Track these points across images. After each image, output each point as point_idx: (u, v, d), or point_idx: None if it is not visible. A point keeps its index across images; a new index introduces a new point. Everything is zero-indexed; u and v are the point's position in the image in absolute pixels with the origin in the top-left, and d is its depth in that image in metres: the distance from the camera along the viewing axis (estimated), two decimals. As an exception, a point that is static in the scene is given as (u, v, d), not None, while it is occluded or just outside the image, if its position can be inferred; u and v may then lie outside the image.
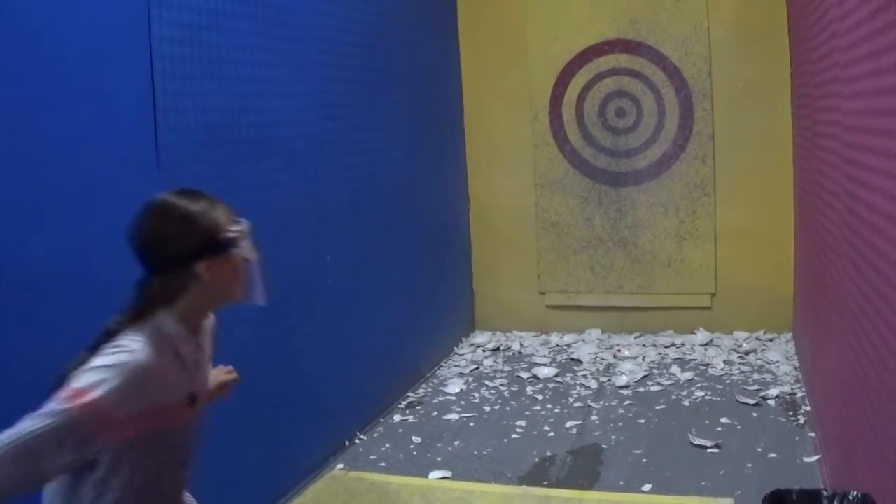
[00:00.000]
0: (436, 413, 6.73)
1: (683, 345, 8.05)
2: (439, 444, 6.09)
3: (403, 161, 7.20)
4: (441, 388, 7.30)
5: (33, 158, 3.44)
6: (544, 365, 7.69)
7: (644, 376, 7.24)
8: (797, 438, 5.75)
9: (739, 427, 6.03)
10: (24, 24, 3.43)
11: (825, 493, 3.16)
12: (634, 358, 7.73)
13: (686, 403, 6.58)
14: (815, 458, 5.34)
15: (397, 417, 6.64)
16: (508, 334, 8.83)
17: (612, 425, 6.24)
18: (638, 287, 8.46)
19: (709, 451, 5.64)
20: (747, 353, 7.66)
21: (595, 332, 8.55)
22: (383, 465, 5.78)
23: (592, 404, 6.68)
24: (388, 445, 6.11)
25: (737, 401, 6.50)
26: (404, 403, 6.95)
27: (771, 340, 7.93)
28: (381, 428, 6.45)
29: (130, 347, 2.39)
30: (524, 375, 7.48)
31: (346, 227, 6.07)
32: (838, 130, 4.44)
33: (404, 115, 7.28)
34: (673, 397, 6.72)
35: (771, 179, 7.80)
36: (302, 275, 5.37)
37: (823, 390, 5.32)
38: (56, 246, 3.54)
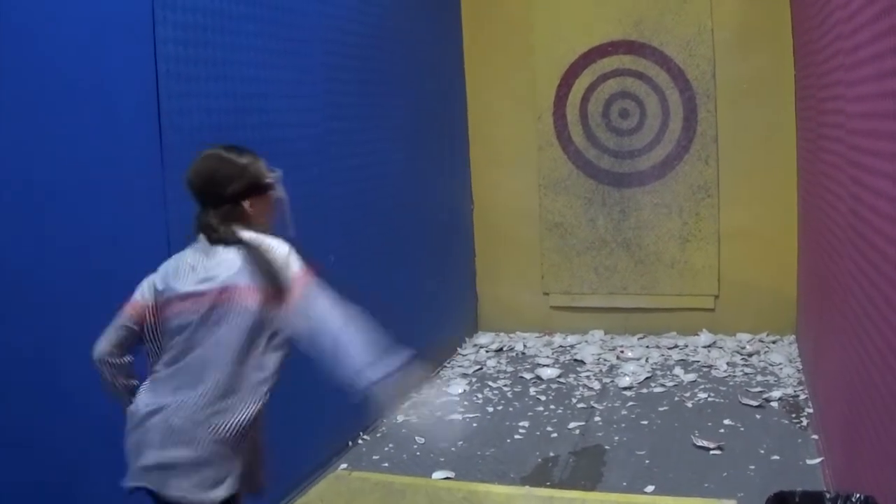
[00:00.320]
0: (439, 413, 6.73)
1: (687, 346, 8.05)
2: (442, 445, 6.09)
3: (407, 162, 7.21)
4: (444, 388, 7.30)
5: (38, 160, 3.45)
6: (547, 366, 7.69)
7: (647, 377, 7.25)
8: (800, 440, 5.76)
9: (742, 429, 6.03)
10: (28, 26, 3.44)
11: (828, 496, 3.17)
12: (638, 359, 7.73)
13: (689, 405, 6.58)
14: (818, 460, 5.34)
15: (401, 418, 6.64)
16: (512, 335, 8.83)
17: (615, 426, 6.24)
18: (641, 288, 8.46)
19: (711, 452, 5.64)
20: (750, 354, 7.66)
21: (598, 333, 8.55)
22: (386, 465, 5.79)
23: (595, 405, 6.69)
24: (391, 445, 6.12)
25: (740, 402, 6.50)
26: (407, 404, 6.96)
27: (774, 342, 7.93)
28: (384, 428, 6.45)
29: (278, 241, 3.20)
30: (527, 376, 7.49)
31: (350, 227, 6.08)
32: (842, 133, 4.44)
33: (408, 116, 7.28)
34: (676, 399, 6.73)
35: (774, 181, 7.79)
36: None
37: (826, 392, 5.32)
38: (60, 246, 3.56)
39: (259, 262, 3.09)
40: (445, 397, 7.04)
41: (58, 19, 3.60)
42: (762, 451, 5.60)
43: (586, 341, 8.42)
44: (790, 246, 7.68)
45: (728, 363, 7.47)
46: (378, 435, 6.32)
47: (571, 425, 6.31)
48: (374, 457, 5.93)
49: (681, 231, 8.24)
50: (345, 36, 6.15)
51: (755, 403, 6.44)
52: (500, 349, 8.41)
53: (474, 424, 6.46)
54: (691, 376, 7.20)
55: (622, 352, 7.96)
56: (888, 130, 3.18)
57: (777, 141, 7.75)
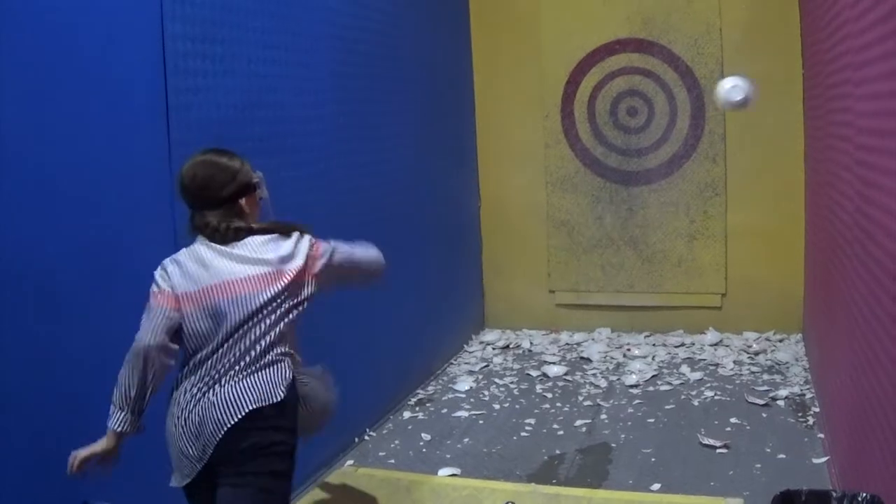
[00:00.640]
0: (445, 410, 6.74)
1: (693, 344, 8.05)
2: (448, 442, 6.10)
3: (415, 158, 7.21)
4: (451, 385, 7.31)
5: (46, 155, 3.46)
6: (554, 363, 7.69)
7: (653, 375, 7.25)
8: (806, 439, 5.75)
9: (748, 427, 6.02)
10: (38, 22, 3.45)
11: (834, 495, 3.17)
12: (644, 357, 7.73)
13: (695, 403, 6.58)
14: (824, 459, 5.34)
15: (407, 414, 6.65)
16: (518, 332, 8.83)
17: (621, 424, 6.25)
18: (648, 286, 8.45)
19: (718, 451, 5.64)
20: (757, 353, 7.66)
21: (605, 331, 8.55)
22: (392, 461, 5.79)
23: (602, 403, 6.69)
24: (397, 442, 6.13)
25: (746, 401, 6.50)
26: (414, 400, 6.96)
27: (781, 341, 7.92)
28: (390, 424, 6.46)
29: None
30: (534, 373, 7.49)
31: (357, 223, 6.07)
32: (850, 132, 4.43)
33: (416, 113, 7.28)
34: (682, 397, 6.73)
35: (782, 180, 7.79)
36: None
37: (833, 391, 5.31)
38: (67, 240, 3.56)
39: (285, 243, 3.42)
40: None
41: (67, 15, 3.60)
42: (768, 450, 5.60)
43: (593, 339, 8.42)
44: (797, 245, 7.66)
45: (735, 361, 7.47)
46: (384, 431, 6.33)
47: (578, 423, 6.31)
48: (381, 453, 5.93)
49: (688, 229, 8.24)
50: (353, 33, 6.15)
51: (762, 402, 6.43)
52: (507, 346, 8.42)
53: (480, 422, 6.46)
54: (698, 374, 7.20)
55: (629, 350, 7.96)
56: (897, 129, 3.18)
57: (785, 140, 7.73)
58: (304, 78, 5.46)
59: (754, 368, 7.29)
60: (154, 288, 3.28)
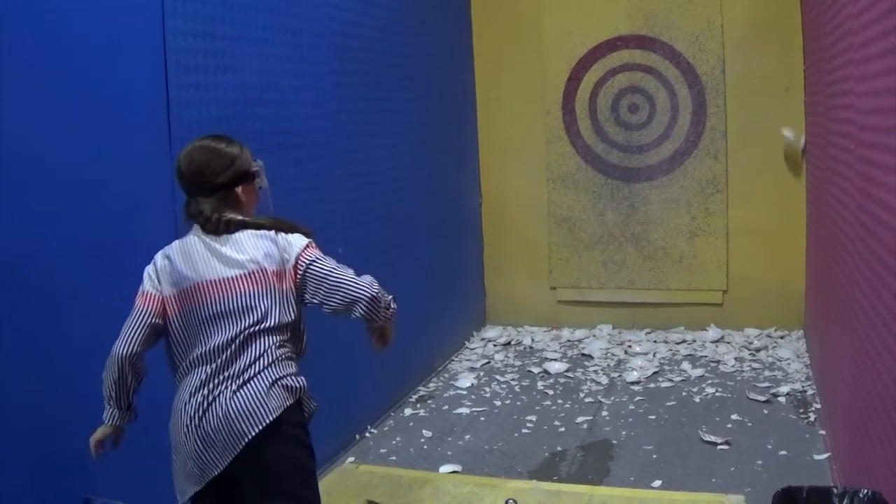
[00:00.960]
0: (446, 407, 6.74)
1: (695, 341, 8.04)
2: (450, 439, 6.10)
3: (416, 155, 7.21)
4: (452, 382, 7.31)
5: (46, 151, 3.46)
6: (555, 360, 7.69)
7: (655, 372, 7.25)
8: (807, 436, 5.75)
9: (750, 424, 6.02)
10: (38, 18, 3.45)
11: (835, 491, 3.17)
12: (645, 354, 7.73)
13: (697, 400, 6.58)
14: (826, 455, 5.34)
15: (408, 411, 6.65)
16: (519, 329, 8.83)
17: (622, 421, 6.24)
18: (649, 283, 8.45)
19: (719, 447, 5.64)
20: (758, 349, 7.65)
21: (606, 328, 8.55)
22: (394, 458, 5.79)
23: (603, 400, 6.69)
24: (398, 439, 6.13)
25: (747, 398, 6.50)
26: (415, 397, 6.96)
27: (782, 338, 7.92)
28: (391, 421, 6.47)
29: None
30: (535, 370, 7.49)
31: (359, 220, 6.08)
32: (852, 128, 4.43)
33: (417, 109, 7.28)
34: (683, 394, 6.72)
35: (783, 176, 7.78)
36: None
37: (834, 388, 5.31)
38: (68, 236, 3.56)
39: (275, 242, 3.31)
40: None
41: (68, 11, 3.60)
42: (770, 447, 5.60)
43: (594, 336, 8.42)
44: (798, 241, 7.66)
45: (736, 358, 7.46)
46: (385, 428, 6.33)
47: (579, 419, 6.31)
48: (382, 450, 5.93)
49: (689, 226, 8.24)
50: (354, 29, 6.15)
51: (763, 399, 6.43)
52: (508, 343, 8.42)
53: (482, 418, 6.46)
54: (699, 371, 7.20)
55: (630, 346, 7.96)
56: (898, 126, 3.18)
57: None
58: (305, 75, 5.45)
59: (755, 365, 7.28)
60: (141, 287, 3.26)
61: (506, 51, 8.66)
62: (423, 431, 6.23)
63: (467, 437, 6.12)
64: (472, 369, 7.65)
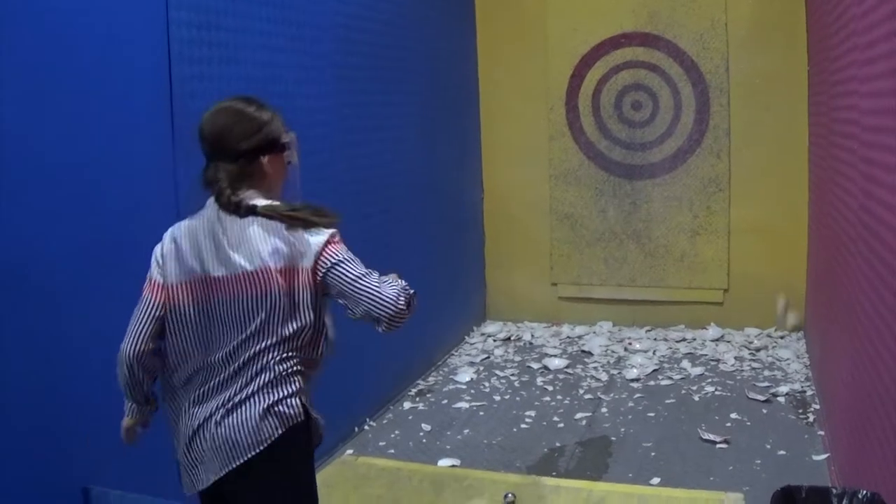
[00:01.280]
0: (445, 401, 6.75)
1: (694, 339, 8.05)
2: (448, 433, 6.11)
3: (418, 150, 7.21)
4: (451, 376, 7.32)
5: (49, 142, 3.45)
6: (555, 356, 7.70)
7: (654, 370, 7.25)
8: (806, 436, 5.76)
9: (749, 423, 6.03)
10: (42, 9, 3.44)
11: (834, 492, 3.17)
12: (645, 351, 7.74)
13: (696, 398, 6.58)
14: (824, 456, 5.35)
15: (407, 405, 6.66)
16: (520, 325, 8.84)
17: (621, 418, 6.25)
18: (650, 281, 8.45)
19: (718, 446, 5.64)
20: (758, 349, 7.66)
21: (606, 325, 8.55)
22: (392, 451, 5.80)
23: (602, 396, 6.70)
24: (397, 432, 6.13)
25: (747, 397, 6.50)
26: (414, 391, 6.97)
27: (782, 338, 7.92)
28: (390, 415, 6.47)
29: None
30: (535, 366, 7.50)
31: (361, 213, 6.08)
32: (855, 129, 4.42)
33: (420, 104, 7.28)
34: (683, 392, 6.73)
35: (786, 176, 7.78)
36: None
37: (834, 389, 5.31)
38: (70, 228, 3.56)
39: (286, 240, 2.89)
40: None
41: (71, 3, 3.60)
42: (768, 446, 5.60)
43: (594, 332, 8.42)
44: (800, 242, 7.66)
45: (736, 357, 7.47)
46: (384, 422, 6.34)
47: (578, 416, 6.32)
48: (380, 443, 5.94)
49: (691, 224, 8.24)
50: (358, 23, 6.15)
51: (762, 398, 6.44)
52: (508, 338, 8.42)
53: (481, 413, 6.46)
54: (699, 370, 7.21)
55: (630, 344, 7.96)
56: (902, 127, 3.18)
57: (789, 136, 7.72)
58: (307, 67, 5.45)
59: (755, 364, 7.29)
60: (149, 272, 2.99)
61: (509, 46, 8.65)
62: (422, 425, 6.23)
63: (466, 431, 6.13)
64: (471, 364, 7.65)
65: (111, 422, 3.57)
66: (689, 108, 8.12)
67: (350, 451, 5.75)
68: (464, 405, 6.63)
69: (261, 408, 2.87)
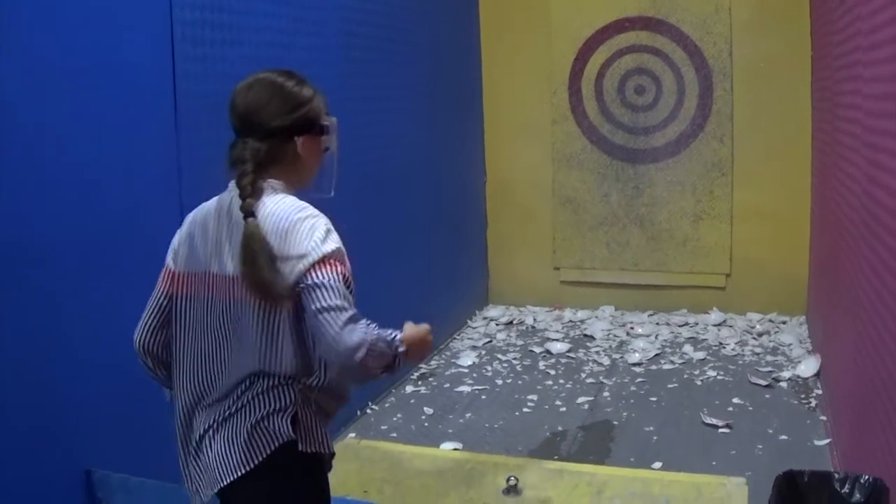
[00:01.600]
0: (448, 385, 6.75)
1: (697, 324, 8.05)
2: (451, 416, 6.11)
3: (421, 133, 7.20)
4: (454, 360, 7.32)
5: (52, 123, 3.43)
6: (557, 340, 7.70)
7: (657, 354, 7.26)
8: (808, 421, 5.76)
9: (751, 408, 6.03)
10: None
11: (837, 476, 3.17)
12: (647, 336, 7.74)
13: (698, 383, 6.59)
14: (826, 441, 5.35)
15: (409, 388, 6.66)
16: (522, 309, 8.84)
17: (623, 402, 6.26)
18: (653, 265, 8.45)
19: (720, 430, 5.65)
20: (760, 334, 7.66)
21: (609, 309, 8.55)
22: (394, 435, 5.81)
23: (604, 381, 6.70)
24: (399, 416, 6.14)
25: (749, 382, 6.51)
26: (416, 375, 6.97)
27: (784, 323, 7.92)
28: (392, 398, 6.48)
29: (314, 211, 2.60)
30: (537, 350, 7.50)
31: (363, 197, 6.07)
32: (859, 114, 4.42)
33: (423, 87, 7.27)
34: (685, 376, 6.73)
35: (789, 161, 7.77)
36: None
37: (836, 374, 5.32)
38: (71, 213, 3.54)
39: (250, 255, 2.44)
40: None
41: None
42: (770, 431, 5.61)
43: (596, 317, 8.43)
44: (803, 227, 7.66)
45: (738, 342, 7.47)
46: (386, 405, 6.34)
47: (580, 400, 6.32)
48: (383, 427, 5.95)
49: (694, 209, 8.23)
50: (362, 4, 6.14)
51: (764, 383, 6.44)
52: (510, 322, 8.42)
53: (483, 397, 6.47)
54: (701, 354, 7.21)
55: (632, 328, 7.97)
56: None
57: (793, 121, 7.71)
58: (311, 49, 5.44)
59: (757, 349, 7.29)
60: (166, 257, 2.75)
61: (513, 30, 8.63)
62: (425, 409, 6.24)
63: (468, 415, 6.14)
64: (473, 348, 7.66)
65: (113, 405, 3.59)
66: (693, 93, 8.10)
67: (352, 435, 5.75)
68: (466, 389, 6.63)
69: (249, 423, 2.51)
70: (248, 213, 2.48)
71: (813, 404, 6.01)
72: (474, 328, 8.30)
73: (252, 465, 2.49)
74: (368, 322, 2.47)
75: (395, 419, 6.09)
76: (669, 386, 6.53)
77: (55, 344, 3.44)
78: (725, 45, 7.92)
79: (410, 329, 2.71)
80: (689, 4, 7.98)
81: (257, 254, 2.42)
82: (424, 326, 2.77)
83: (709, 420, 5.77)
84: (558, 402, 6.30)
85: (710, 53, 7.99)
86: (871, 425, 3.77)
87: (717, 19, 7.91)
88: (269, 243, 2.44)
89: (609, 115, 8.40)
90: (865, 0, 4.17)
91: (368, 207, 6.16)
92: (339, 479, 4.95)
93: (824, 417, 5.71)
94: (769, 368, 6.78)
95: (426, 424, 6.00)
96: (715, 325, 7.98)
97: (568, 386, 6.63)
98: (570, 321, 8.39)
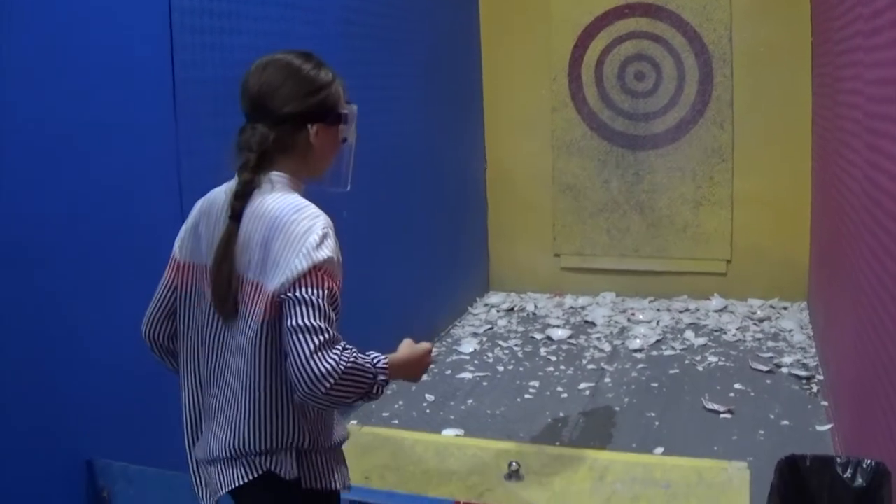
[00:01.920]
0: (449, 372, 6.76)
1: (698, 310, 8.05)
2: (452, 403, 6.12)
3: (421, 121, 7.19)
4: (455, 347, 7.33)
5: (51, 111, 3.43)
6: (558, 327, 7.71)
7: (658, 340, 7.26)
8: (810, 407, 5.77)
9: (752, 394, 6.04)
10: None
11: (839, 461, 3.18)
12: (648, 322, 7.74)
13: (699, 368, 6.59)
14: (828, 426, 5.36)
15: (410, 377, 6.66)
16: (523, 295, 8.84)
17: (624, 388, 6.26)
18: (653, 251, 8.45)
19: (721, 416, 5.65)
20: (761, 320, 7.66)
21: (609, 295, 8.56)
22: (396, 422, 5.81)
23: (606, 367, 6.70)
24: (401, 403, 6.14)
25: (750, 367, 6.51)
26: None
27: (785, 308, 7.93)
28: (393, 385, 6.47)
29: (313, 211, 2.38)
30: (538, 336, 7.51)
31: (363, 184, 6.03)
32: (860, 99, 4.41)
33: (423, 75, 7.26)
34: (686, 362, 6.74)
35: (789, 147, 7.76)
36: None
37: (837, 359, 5.32)
38: (70, 198, 3.53)
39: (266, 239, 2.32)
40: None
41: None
42: (772, 417, 5.61)
43: (597, 303, 8.43)
44: (803, 212, 7.65)
45: (739, 328, 7.47)
46: (388, 392, 6.32)
47: (581, 386, 6.33)
48: (384, 414, 5.95)
49: (694, 195, 8.23)
50: (361, -8, 6.14)
51: (765, 369, 6.44)
52: (511, 309, 8.43)
53: (484, 384, 6.47)
54: (702, 340, 7.22)
55: (633, 314, 7.97)
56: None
57: (793, 107, 7.70)
58: (310, 36, 5.42)
59: (758, 335, 7.29)
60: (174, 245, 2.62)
61: (512, 17, 8.61)
62: (426, 395, 6.24)
63: (470, 401, 6.14)
64: (475, 335, 7.66)
65: (114, 396, 3.60)
66: (693, 79, 8.09)
67: (354, 422, 5.76)
68: (467, 376, 6.64)
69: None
70: (234, 214, 2.35)
71: (814, 390, 6.01)
72: (475, 315, 8.30)
73: (250, 479, 2.40)
74: (345, 346, 2.26)
75: (396, 406, 6.09)
76: (671, 372, 6.54)
77: (56, 337, 3.45)
78: (725, 31, 7.91)
79: (407, 349, 2.63)
80: (689, -10, 7.98)
81: (222, 262, 2.34)
82: (424, 346, 2.65)
83: (710, 406, 5.77)
84: (560, 389, 6.30)
85: (709, 39, 7.98)
86: (872, 410, 3.77)
87: (716, 5, 7.90)
88: (234, 258, 2.34)
89: (609, 101, 8.39)
90: (866, -16, 4.17)
91: (368, 195, 6.15)
92: (341, 466, 4.96)
93: (826, 403, 5.71)
94: (770, 354, 6.78)
95: (428, 411, 6.00)
96: (716, 311, 7.98)
97: (569, 372, 6.64)
98: (571, 307, 8.39)
